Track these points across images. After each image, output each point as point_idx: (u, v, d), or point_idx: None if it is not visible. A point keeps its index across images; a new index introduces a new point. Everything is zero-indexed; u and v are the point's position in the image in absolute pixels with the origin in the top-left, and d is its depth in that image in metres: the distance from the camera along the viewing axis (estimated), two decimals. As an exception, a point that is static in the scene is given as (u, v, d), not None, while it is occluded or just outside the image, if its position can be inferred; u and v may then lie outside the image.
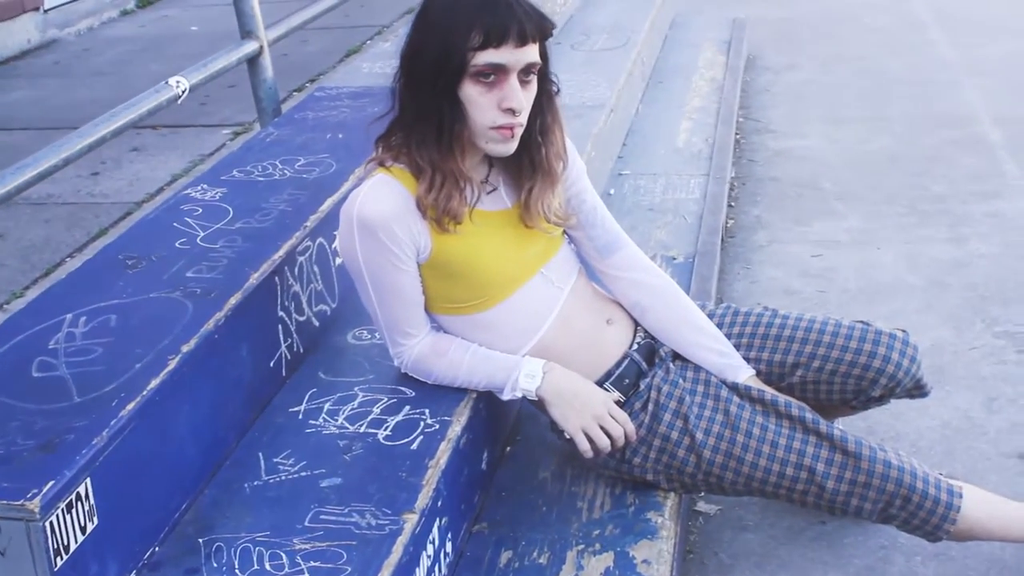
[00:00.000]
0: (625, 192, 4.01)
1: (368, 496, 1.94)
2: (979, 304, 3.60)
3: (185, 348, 1.96)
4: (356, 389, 2.28)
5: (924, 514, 2.19)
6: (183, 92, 3.12)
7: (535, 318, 2.25)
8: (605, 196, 3.96)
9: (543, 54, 2.11)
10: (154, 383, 1.85)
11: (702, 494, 2.64)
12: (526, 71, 2.05)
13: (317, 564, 1.78)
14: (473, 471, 2.27)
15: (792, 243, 4.15)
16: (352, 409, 2.21)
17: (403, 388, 2.27)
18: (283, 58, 5.35)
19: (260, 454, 2.09)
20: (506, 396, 2.20)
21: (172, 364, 1.91)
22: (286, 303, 2.34)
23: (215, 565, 1.80)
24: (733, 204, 4.53)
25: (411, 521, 1.88)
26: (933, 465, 2.68)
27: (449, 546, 2.11)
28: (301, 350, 2.41)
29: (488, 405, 2.32)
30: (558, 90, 2.21)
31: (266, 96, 3.67)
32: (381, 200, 2.10)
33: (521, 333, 2.24)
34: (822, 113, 5.56)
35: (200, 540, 1.86)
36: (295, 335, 2.38)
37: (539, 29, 2.05)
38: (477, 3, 2.03)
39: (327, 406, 2.23)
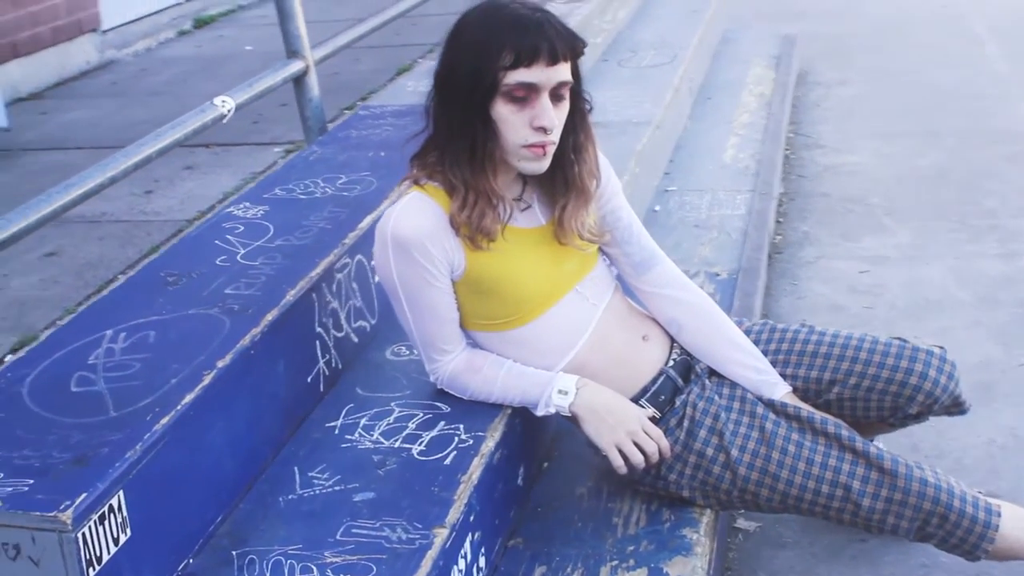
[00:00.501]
0: (671, 208, 4.00)
1: (400, 510, 1.96)
2: (1029, 320, 3.55)
3: (220, 363, 1.99)
4: (392, 404, 2.30)
5: (962, 532, 2.17)
6: (228, 111, 3.17)
7: (570, 335, 2.26)
8: (651, 212, 3.96)
9: (575, 72, 2.13)
10: (189, 398, 1.88)
11: (740, 511, 2.63)
12: (557, 89, 2.07)
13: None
14: (508, 487, 2.28)
15: (840, 259, 4.12)
16: (388, 424, 2.23)
17: (439, 404, 2.28)
18: (334, 76, 5.42)
19: (296, 468, 2.11)
20: (540, 412, 2.21)
21: (207, 379, 1.94)
22: (324, 319, 2.36)
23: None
24: (781, 220, 4.51)
25: (441, 536, 1.89)
26: (977, 483, 2.65)
27: (483, 560, 2.11)
28: (340, 366, 2.43)
29: (524, 421, 2.33)
30: (591, 108, 2.22)
31: (312, 115, 3.71)
32: (415, 218, 2.12)
33: (556, 350, 2.25)
34: (872, 128, 5.52)
35: (234, 552, 1.89)
36: (333, 351, 2.40)
37: (570, 48, 2.07)
38: (509, 23, 2.05)
39: (363, 421, 2.25)
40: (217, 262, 2.41)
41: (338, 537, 1.90)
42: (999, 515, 2.17)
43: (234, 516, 2.00)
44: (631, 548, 2.23)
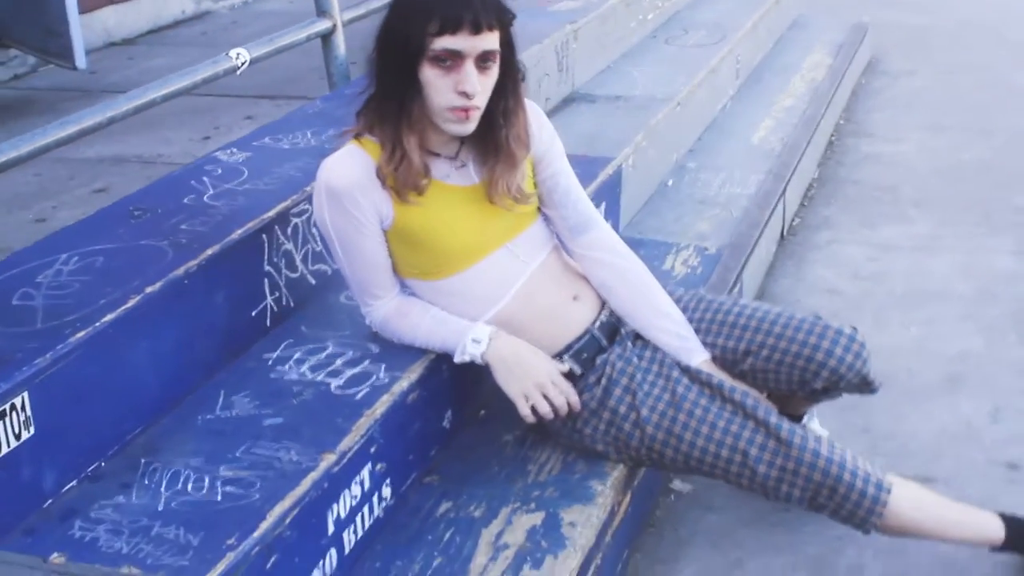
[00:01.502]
0: (683, 184, 4.07)
1: (300, 436, 2.11)
2: (1021, 318, 3.55)
3: (149, 289, 2.16)
4: (329, 343, 2.46)
5: (851, 506, 2.24)
6: (243, 64, 3.35)
7: (497, 288, 2.38)
8: (662, 186, 4.04)
9: (506, 41, 2.24)
10: (109, 317, 2.06)
11: (673, 473, 2.73)
12: (484, 58, 2.18)
13: (231, 489, 1.96)
14: (428, 427, 2.42)
15: (852, 245, 4.15)
16: (317, 360, 2.39)
17: (371, 346, 2.43)
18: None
19: (222, 392, 2.28)
20: (457, 359, 2.35)
21: (132, 303, 2.12)
22: (275, 260, 2.52)
23: (146, 483, 2.00)
24: (806, 203, 4.54)
25: (328, 460, 2.04)
26: (915, 467, 2.72)
27: (387, 491, 2.26)
28: (291, 304, 2.60)
29: (453, 369, 2.45)
30: (523, 76, 2.33)
31: (337, 72, 3.88)
32: (346, 168, 2.26)
33: (482, 301, 2.38)
34: (925, 120, 5.49)
35: (143, 460, 2.07)
36: (284, 290, 2.57)
37: (496, 19, 2.18)
38: None
39: (296, 355, 2.41)
40: (185, 200, 2.59)
41: (237, 455, 2.06)
42: (888, 491, 2.24)
43: (154, 429, 2.17)
44: (536, 493, 2.35)
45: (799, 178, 4.44)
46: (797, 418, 2.67)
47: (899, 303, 3.70)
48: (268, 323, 2.53)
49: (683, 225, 3.71)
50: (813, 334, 2.35)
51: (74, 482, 2.01)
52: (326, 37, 3.83)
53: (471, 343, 2.32)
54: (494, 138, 2.31)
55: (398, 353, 2.39)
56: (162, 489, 1.98)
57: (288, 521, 1.92)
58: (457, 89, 2.17)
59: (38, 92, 5.16)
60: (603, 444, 2.41)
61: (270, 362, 2.39)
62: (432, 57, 2.15)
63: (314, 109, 3.29)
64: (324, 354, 2.41)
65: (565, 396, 2.34)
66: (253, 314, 2.48)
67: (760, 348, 2.40)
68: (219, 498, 1.95)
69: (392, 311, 2.40)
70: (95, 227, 2.47)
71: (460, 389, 2.55)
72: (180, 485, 1.99)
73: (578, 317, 2.45)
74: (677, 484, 2.79)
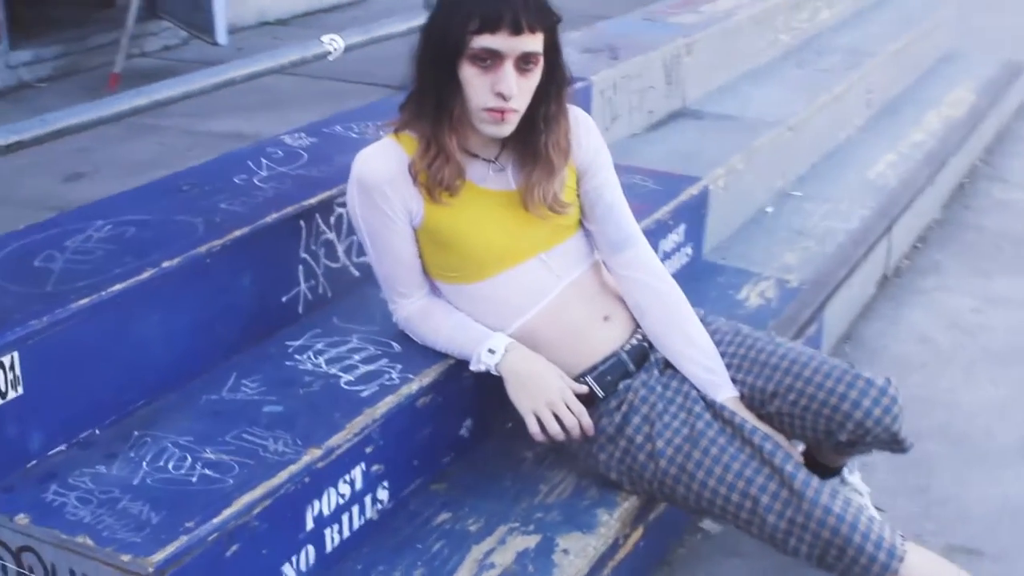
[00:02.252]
0: (783, 213, 3.92)
1: (293, 426, 2.09)
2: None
3: (167, 264, 2.18)
4: (354, 337, 2.43)
5: (859, 569, 2.11)
6: (335, 51, 3.35)
7: (525, 299, 2.31)
8: (761, 212, 3.90)
9: (551, 45, 2.17)
10: (118, 287, 2.08)
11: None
12: (524, 59, 2.12)
13: (209, 472, 1.95)
14: (442, 434, 2.37)
15: (958, 293, 3.94)
16: (338, 353, 2.36)
17: (395, 344, 2.40)
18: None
19: (234, 374, 2.28)
20: (472, 367, 2.29)
21: (145, 275, 2.13)
22: (313, 247, 2.51)
23: (131, 455, 2.00)
24: (919, 246, 4.34)
25: (312, 455, 2.01)
26: (966, 537, 2.56)
27: (384, 494, 2.23)
28: (329, 294, 2.58)
29: (479, 377, 2.39)
30: (569, 82, 2.26)
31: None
32: (378, 162, 2.24)
33: (508, 311, 2.31)
34: (1070, 172, 5.19)
35: (135, 433, 2.08)
36: (322, 279, 2.55)
37: (539, 21, 2.12)
38: None
39: (318, 346, 2.39)
40: (235, 179, 2.60)
41: (227, 438, 2.05)
42: (901, 560, 2.09)
43: (159, 403, 2.18)
44: (539, 515, 2.29)
45: (913, 218, 4.24)
46: (835, 469, 2.53)
47: (994, 359, 3.49)
48: (300, 310, 2.52)
49: (771, 255, 3.57)
50: (842, 382, 2.22)
51: (63, 446, 2.03)
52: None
53: (486, 352, 2.26)
54: (533, 144, 2.25)
55: (419, 355, 2.35)
56: (144, 464, 1.98)
57: (257, 512, 1.90)
58: (494, 90, 2.11)
59: (181, 64, 5.30)
60: (617, 472, 2.33)
61: (290, 350, 2.38)
62: (471, 55, 2.10)
63: (396, 99, 3.27)
64: (346, 347, 2.39)
65: (577, 417, 2.26)
66: (284, 300, 2.47)
67: (787, 391, 2.28)
68: (195, 479, 1.94)
69: (416, 311, 2.36)
70: (139, 197, 2.50)
71: (483, 399, 2.48)
72: (162, 462, 1.99)
73: (607, 338, 2.37)
74: (707, 524, 2.68)
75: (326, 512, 2.07)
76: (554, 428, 2.25)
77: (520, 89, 2.13)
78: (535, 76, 2.17)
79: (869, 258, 3.73)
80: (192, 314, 2.25)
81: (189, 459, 1.99)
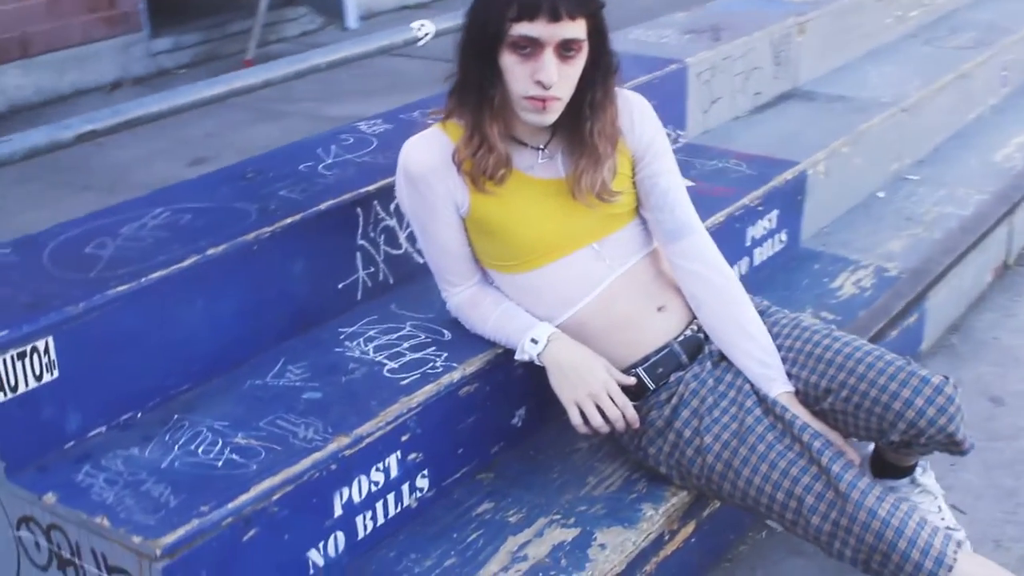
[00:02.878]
0: (895, 198, 3.75)
1: (327, 413, 2.10)
2: None
3: (212, 251, 2.21)
4: (407, 324, 2.43)
5: None
6: (425, 36, 3.36)
7: (576, 290, 2.27)
8: (872, 197, 3.74)
9: (595, 30, 2.12)
10: (159, 274, 2.12)
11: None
12: (566, 46, 2.07)
13: (236, 457, 1.98)
14: (490, 423, 2.35)
15: (1086, 287, 3.70)
16: (388, 340, 2.37)
17: (446, 333, 2.38)
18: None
19: (282, 359, 2.30)
20: (516, 357, 2.26)
21: (188, 262, 2.17)
22: (372, 234, 2.52)
23: (166, 439, 2.05)
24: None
25: (339, 443, 2.02)
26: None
27: (424, 482, 2.22)
28: (391, 281, 2.58)
29: (532, 366, 2.36)
30: (617, 67, 2.20)
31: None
32: (424, 152, 2.22)
33: (558, 301, 2.28)
34: None
35: (176, 416, 2.12)
36: (383, 266, 2.56)
37: (579, 6, 2.06)
38: None
39: (371, 333, 2.40)
40: (300, 167, 2.63)
41: (261, 424, 2.08)
42: (950, 569, 1.97)
43: (204, 387, 2.22)
44: (582, 508, 2.25)
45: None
46: (906, 469, 2.41)
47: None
48: (359, 296, 2.53)
49: (874, 242, 3.42)
50: (895, 380, 2.11)
51: (103, 428, 2.08)
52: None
53: (529, 342, 2.23)
54: (579, 131, 2.20)
55: (468, 344, 2.34)
56: (176, 447, 2.02)
57: (276, 498, 1.91)
58: (534, 78, 2.07)
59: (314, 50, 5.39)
60: (666, 467, 2.27)
61: (342, 336, 2.39)
62: (511, 43, 2.06)
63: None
64: (397, 335, 2.39)
65: (621, 410, 2.21)
66: (340, 287, 2.48)
67: (840, 388, 2.17)
68: (220, 464, 1.97)
69: (466, 299, 2.34)
70: (202, 185, 2.55)
71: (537, 388, 2.43)
72: (194, 445, 2.02)
73: (660, 329, 2.30)
74: (772, 521, 2.58)
75: (356, 499, 2.08)
76: (597, 420, 2.20)
77: (562, 77, 2.09)
78: (578, 63, 2.11)
79: (983, 246, 3.54)
80: (239, 301, 2.28)
81: (220, 443, 2.02)
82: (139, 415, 2.13)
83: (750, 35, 3.79)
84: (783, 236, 3.28)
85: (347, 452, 2.03)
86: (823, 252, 3.35)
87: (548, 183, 2.25)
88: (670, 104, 3.44)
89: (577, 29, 2.07)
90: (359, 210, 2.49)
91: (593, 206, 2.24)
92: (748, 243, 3.12)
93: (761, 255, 3.19)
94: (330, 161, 2.66)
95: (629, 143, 2.29)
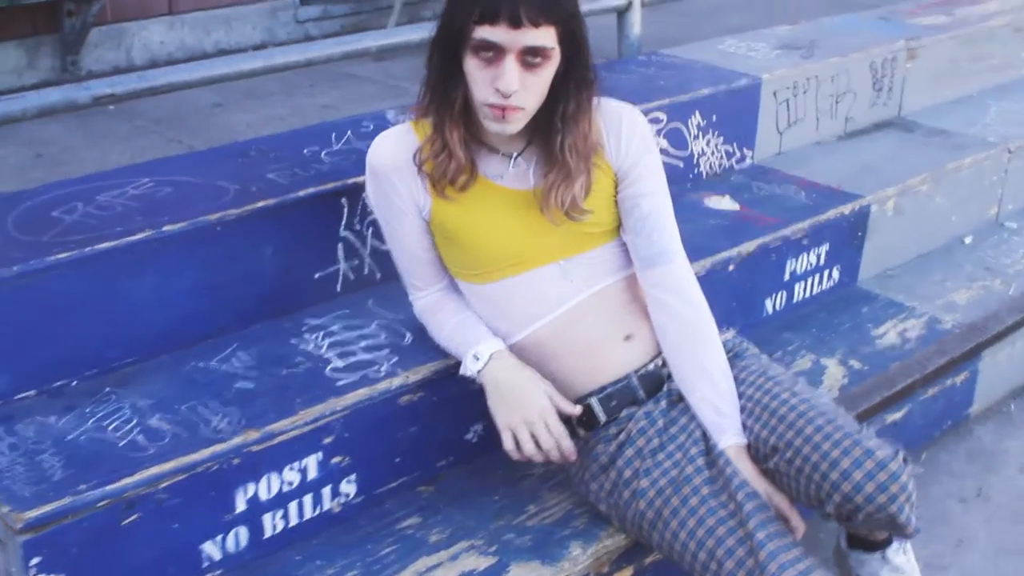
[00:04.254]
0: (983, 245, 3.48)
1: (250, 406, 2.07)
2: None
3: (168, 228, 2.20)
4: (374, 323, 2.38)
5: None
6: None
7: (536, 307, 2.17)
8: (957, 242, 3.48)
9: (568, 39, 2.01)
10: (106, 245, 2.12)
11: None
12: (531, 53, 1.97)
13: (139, 438, 1.96)
14: (436, 435, 2.28)
15: None
16: (346, 336, 2.32)
17: (408, 335, 2.32)
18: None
19: (235, 344, 2.28)
20: (460, 372, 2.18)
21: (138, 236, 2.16)
22: (357, 226, 2.47)
23: (86, 410, 2.05)
24: None
25: (246, 437, 1.98)
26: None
27: (351, 488, 2.17)
28: (378, 276, 2.53)
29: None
30: (593, 80, 2.08)
31: (627, 51, 3.71)
32: (388, 148, 2.16)
33: (517, 318, 2.18)
34: None
35: (107, 388, 2.12)
36: (368, 260, 2.51)
37: (544, 13, 1.95)
38: None
39: (334, 327, 2.36)
40: (304, 151, 2.60)
41: (182, 407, 2.06)
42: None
43: (148, 363, 2.21)
44: (509, 536, 2.16)
45: None
46: (878, 543, 2.23)
47: None
48: (339, 288, 2.49)
49: (939, 290, 3.18)
50: (838, 447, 1.94)
51: (32, 391, 2.10)
52: (621, 13, 3.67)
53: (472, 359, 2.14)
54: (551, 144, 2.10)
55: (424, 351, 2.27)
56: (91, 420, 2.02)
57: (165, 485, 1.89)
58: (494, 85, 1.98)
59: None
60: (606, 505, 2.16)
61: (304, 328, 2.36)
62: (472, 47, 1.97)
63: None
64: (358, 332, 2.34)
65: (556, 440, 2.10)
66: (317, 276, 2.45)
67: (787, 448, 2.01)
68: (122, 444, 1.96)
69: (428, 305, 2.27)
70: (199, 159, 2.58)
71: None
72: (108, 421, 2.02)
73: (621, 359, 2.18)
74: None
75: (264, 497, 2.04)
76: (529, 448, 2.10)
77: (525, 86, 1.98)
78: (544, 73, 2.00)
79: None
80: (196, 280, 2.26)
81: (133, 423, 2.02)
82: (74, 383, 2.14)
83: (845, 56, 3.56)
84: (834, 273, 3.09)
85: (254, 447, 2.00)
86: (878, 295, 3.13)
87: (517, 193, 2.15)
88: (737, 121, 3.29)
89: (542, 37, 1.96)
90: (344, 200, 2.44)
91: (560, 223, 2.13)
92: (787, 277, 2.94)
93: (803, 291, 3.01)
94: (337, 148, 2.62)
95: (612, 160, 2.17)
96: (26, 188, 2.46)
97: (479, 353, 2.14)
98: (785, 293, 2.96)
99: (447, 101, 2.05)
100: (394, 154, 2.14)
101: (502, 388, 2.12)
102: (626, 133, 2.17)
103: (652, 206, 2.18)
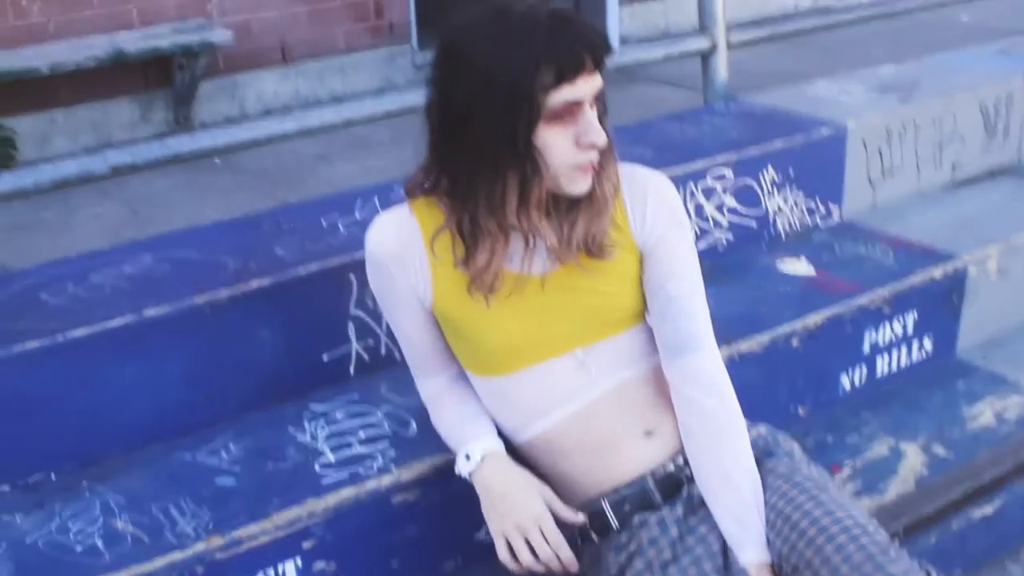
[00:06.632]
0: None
1: (223, 506, 1.92)
2: None
3: (149, 312, 2.08)
4: (381, 410, 2.20)
5: None
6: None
7: (549, 402, 1.95)
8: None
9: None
10: (80, 332, 2.01)
11: None
12: (598, 96, 1.78)
13: (98, 544, 1.84)
14: (440, 536, 2.09)
15: None
16: (347, 426, 2.16)
17: (413, 424, 2.15)
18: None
19: (229, 434, 2.14)
20: (456, 470, 1.98)
21: (117, 322, 2.04)
22: (369, 304, 2.29)
23: (55, 507, 1.94)
24: None
25: (212, 543, 1.83)
26: None
27: (339, 593, 1.99)
28: (396, 356, 2.35)
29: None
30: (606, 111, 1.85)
31: (712, 98, 3.47)
32: (387, 234, 1.94)
33: (528, 413, 1.96)
34: None
35: (84, 483, 2.01)
36: (384, 339, 2.34)
37: (607, 48, 1.77)
38: (539, 35, 1.75)
39: (337, 414, 2.19)
40: (322, 221, 2.45)
41: (153, 507, 1.93)
42: None
43: (135, 455, 2.09)
44: (496, 649, 1.95)
45: None
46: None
47: None
48: (352, 371, 2.32)
49: (1005, 365, 2.82)
50: (858, 571, 1.66)
51: (6, 487, 2.00)
52: (706, 57, 3.43)
53: (463, 458, 1.95)
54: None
55: (426, 443, 2.08)
56: (55, 520, 1.92)
57: (112, 600, 1.75)
58: (581, 142, 1.76)
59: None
60: (612, 621, 1.92)
61: (306, 416, 2.20)
62: (550, 116, 1.74)
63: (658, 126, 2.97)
64: (361, 420, 2.18)
65: (554, 550, 1.88)
66: (326, 358, 2.29)
67: (806, 567, 1.74)
68: (79, 550, 1.84)
69: (433, 394, 2.08)
70: (212, 231, 2.46)
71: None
72: (74, 522, 1.91)
73: (642, 457, 1.95)
74: None
75: (232, 606, 1.88)
76: (525, 557, 1.89)
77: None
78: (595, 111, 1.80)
79: None
80: (185, 367, 2.13)
81: (99, 524, 1.90)
82: (52, 476, 2.03)
83: (949, 97, 3.23)
84: (927, 344, 2.77)
85: (219, 555, 1.84)
86: (979, 368, 2.79)
87: (529, 279, 1.92)
88: (820, 173, 3.01)
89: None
90: (352, 276, 2.27)
91: (582, 265, 1.88)
92: (866, 350, 2.64)
93: (887, 365, 2.70)
94: (357, 217, 2.47)
95: (637, 235, 1.93)
96: (100, 249, 2.44)
97: (471, 452, 1.94)
98: (865, 367, 2.66)
99: (532, 190, 1.79)
100: (394, 241, 1.93)
101: (493, 493, 1.91)
102: (652, 205, 1.94)
103: (680, 289, 1.94)
